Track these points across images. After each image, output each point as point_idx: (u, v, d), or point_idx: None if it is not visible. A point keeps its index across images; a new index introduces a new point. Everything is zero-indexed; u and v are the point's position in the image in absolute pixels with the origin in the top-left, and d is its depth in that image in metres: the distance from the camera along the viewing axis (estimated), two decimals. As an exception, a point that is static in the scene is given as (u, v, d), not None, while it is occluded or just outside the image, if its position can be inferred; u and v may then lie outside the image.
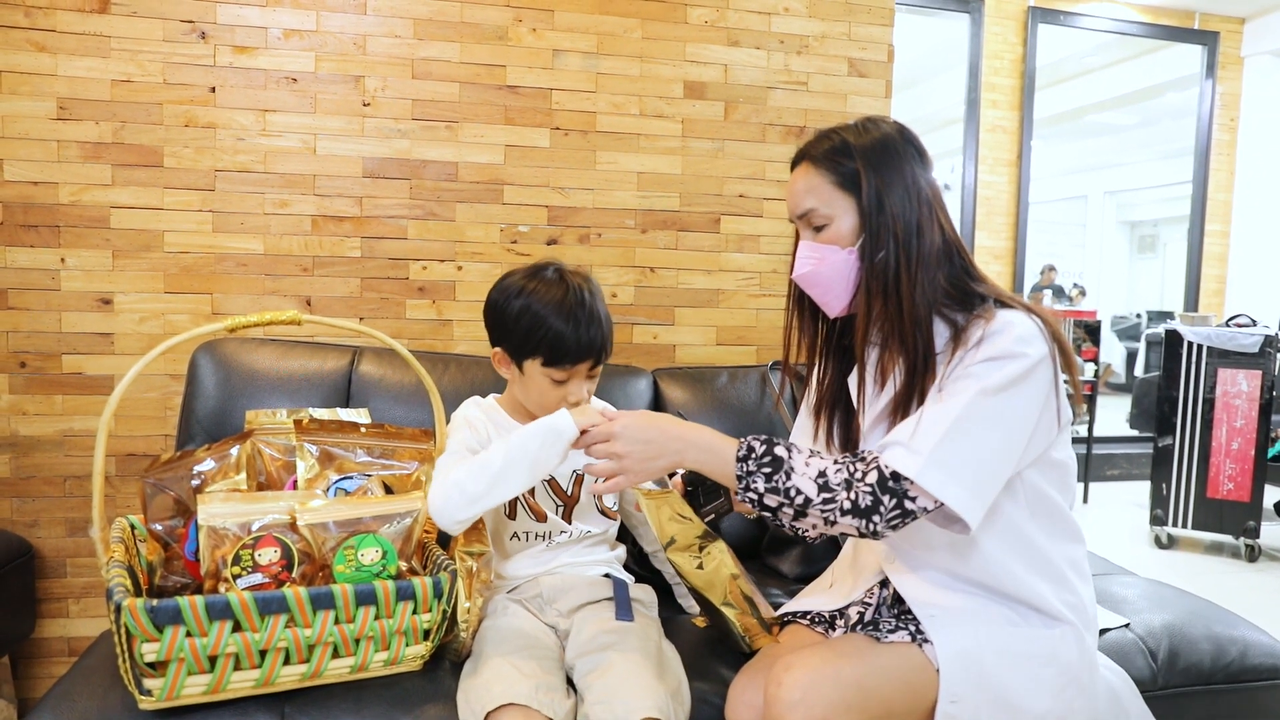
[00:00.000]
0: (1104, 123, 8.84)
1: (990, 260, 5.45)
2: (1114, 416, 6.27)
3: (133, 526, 1.30)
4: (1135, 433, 5.71)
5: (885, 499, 1.06)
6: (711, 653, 1.40)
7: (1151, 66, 6.81)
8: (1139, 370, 7.42)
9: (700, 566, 1.25)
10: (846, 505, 1.06)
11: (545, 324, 1.33)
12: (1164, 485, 3.90)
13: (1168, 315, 8.34)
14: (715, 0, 2.20)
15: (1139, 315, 9.67)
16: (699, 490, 1.34)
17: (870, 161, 1.17)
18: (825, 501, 1.06)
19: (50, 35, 1.87)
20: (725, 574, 1.25)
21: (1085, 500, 4.83)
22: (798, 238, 1.25)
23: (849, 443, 1.30)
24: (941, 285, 1.16)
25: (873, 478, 1.06)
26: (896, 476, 1.06)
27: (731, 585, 1.26)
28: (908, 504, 1.06)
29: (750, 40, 2.23)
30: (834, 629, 1.27)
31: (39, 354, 1.92)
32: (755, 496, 1.10)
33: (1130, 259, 11.54)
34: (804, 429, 1.40)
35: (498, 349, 1.41)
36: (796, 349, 1.34)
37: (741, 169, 2.26)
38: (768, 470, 1.09)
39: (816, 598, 1.36)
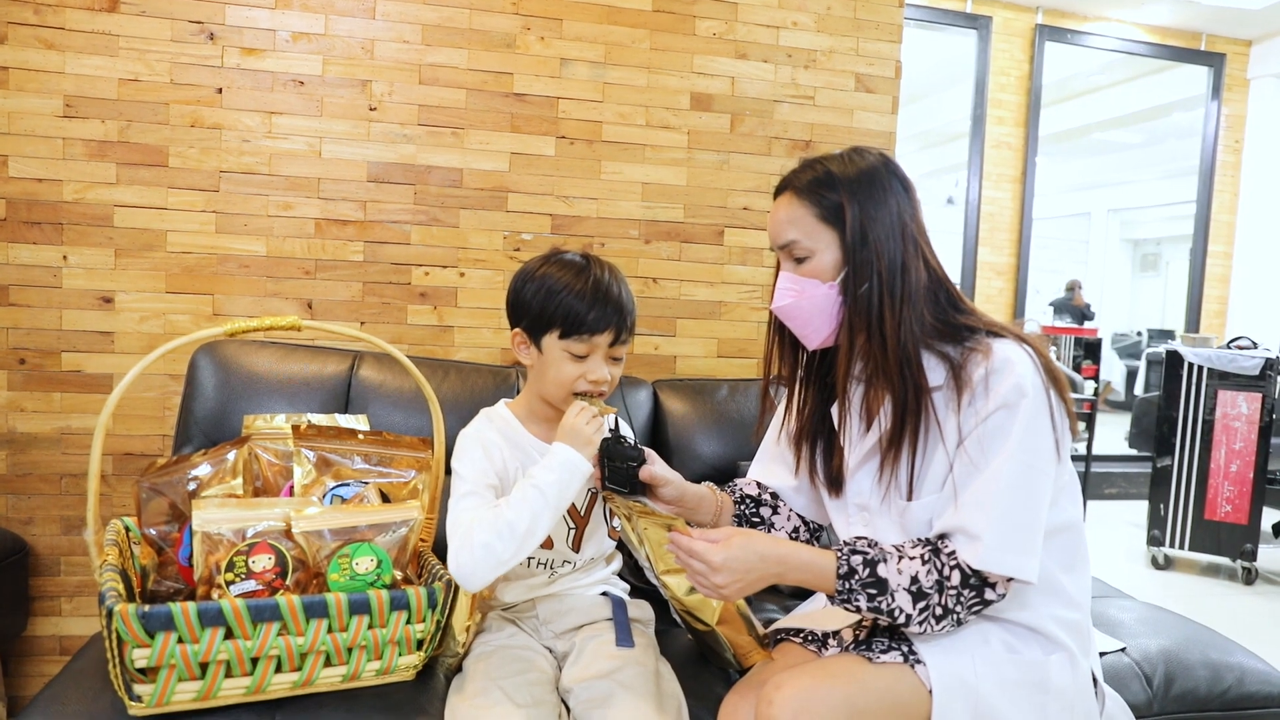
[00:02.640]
0: (1109, 141, 8.85)
1: (993, 276, 5.44)
2: (1113, 435, 6.26)
3: (128, 529, 1.30)
4: (1134, 452, 5.70)
5: (967, 593, 1.10)
6: (704, 670, 1.39)
7: (1158, 86, 6.82)
8: (1139, 389, 7.41)
9: (694, 590, 1.24)
10: (939, 611, 1.09)
11: (562, 293, 1.28)
12: (1162, 506, 3.89)
13: (1169, 334, 8.34)
14: (724, 13, 2.20)
15: (1140, 333, 9.67)
16: (608, 467, 1.25)
17: (854, 194, 1.15)
18: (921, 611, 1.09)
19: (59, 33, 1.87)
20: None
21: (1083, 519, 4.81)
22: (779, 266, 1.24)
23: (832, 478, 1.29)
24: (928, 320, 1.15)
25: (956, 577, 1.09)
26: (975, 571, 1.08)
27: (727, 604, 1.26)
28: (987, 593, 1.10)
29: (758, 53, 2.23)
30: (826, 648, 1.26)
31: (39, 351, 1.91)
32: (855, 609, 1.11)
33: (1132, 277, 11.54)
34: (780, 459, 1.38)
35: (516, 330, 1.34)
36: (777, 376, 1.33)
37: (746, 182, 2.26)
38: (871, 591, 1.10)
39: (810, 616, 1.36)
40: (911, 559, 1.10)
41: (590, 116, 2.15)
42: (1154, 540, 3.93)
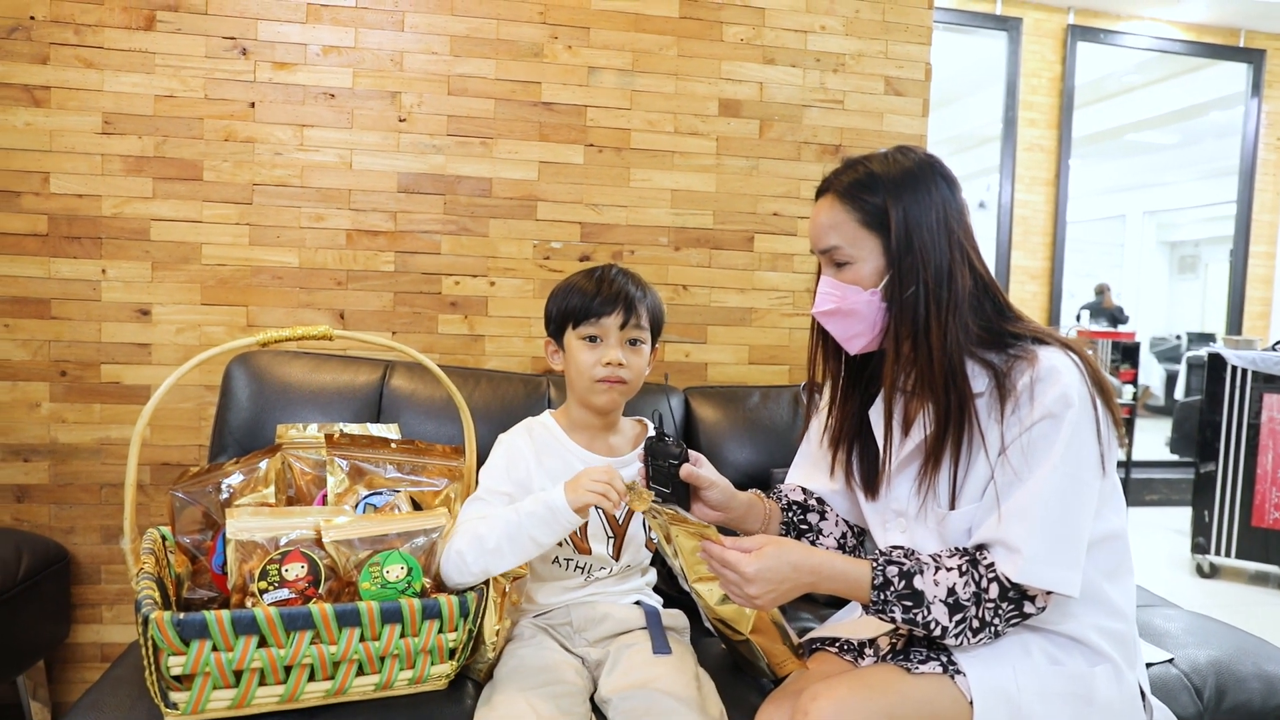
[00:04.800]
0: (1144, 142, 8.70)
1: (1026, 280, 5.37)
2: (1153, 440, 6.13)
3: (164, 537, 1.31)
4: (1175, 457, 5.58)
5: (1005, 605, 1.08)
6: (738, 679, 1.37)
7: (1194, 85, 6.69)
8: (1179, 393, 7.26)
9: (726, 599, 1.22)
10: (976, 624, 1.07)
11: (573, 291, 1.39)
12: (1206, 512, 3.80)
13: (1209, 338, 8.16)
14: (751, 18, 2.19)
15: (1179, 337, 9.48)
16: (651, 466, 1.25)
17: (898, 198, 1.12)
18: (957, 624, 1.07)
19: (98, 52, 1.91)
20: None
21: (1123, 526, 4.72)
22: (820, 269, 1.21)
23: (869, 483, 1.27)
24: (973, 330, 1.12)
25: (995, 591, 1.07)
26: (1014, 584, 1.06)
27: (760, 612, 1.24)
28: (1026, 606, 1.08)
29: (786, 58, 2.22)
30: (863, 658, 1.24)
31: (79, 363, 1.95)
32: (890, 621, 1.10)
33: (1170, 280, 11.32)
34: (817, 461, 1.36)
35: (548, 340, 1.45)
36: (821, 379, 1.31)
37: (776, 187, 2.24)
38: (907, 603, 1.08)
39: (847, 625, 1.33)
40: (949, 570, 1.08)
41: (618, 124, 2.15)
42: (1199, 548, 3.83)
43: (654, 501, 1.20)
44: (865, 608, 1.11)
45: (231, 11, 1.95)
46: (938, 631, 1.08)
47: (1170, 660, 1.46)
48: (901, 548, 1.13)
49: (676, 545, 1.21)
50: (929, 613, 1.07)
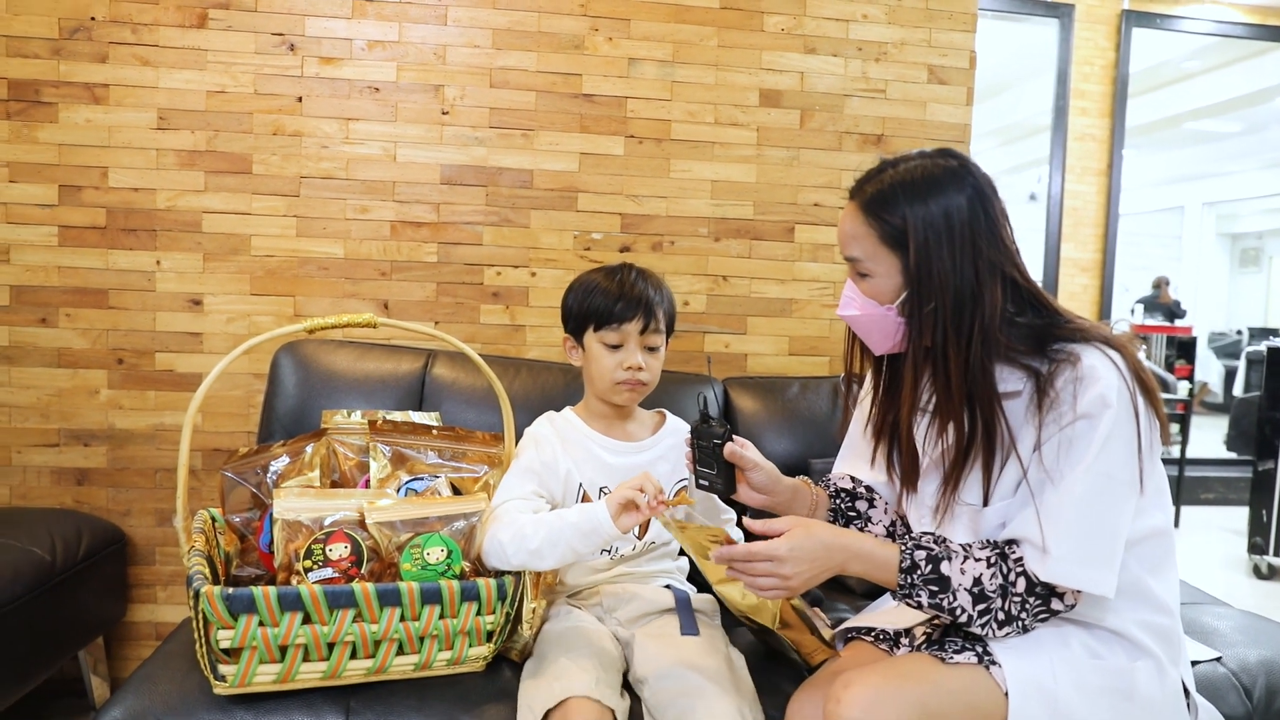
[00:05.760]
0: (1204, 130, 8.43)
1: (1076, 273, 5.25)
2: (1210, 437, 5.97)
3: (213, 519, 1.35)
4: (1233, 455, 5.42)
5: (1032, 601, 1.07)
6: (772, 667, 1.38)
7: (1257, 70, 6.46)
8: (1238, 390, 7.05)
9: (746, 594, 1.23)
10: (1001, 616, 1.07)
11: (593, 292, 1.41)
12: (1264, 512, 3.68)
13: (1272, 332, 7.90)
14: (792, 8, 2.18)
15: (1239, 332, 9.19)
16: (697, 448, 1.25)
17: (920, 216, 1.09)
18: (982, 613, 1.07)
19: (153, 50, 1.97)
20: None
21: (1176, 525, 4.60)
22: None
23: (909, 475, 1.26)
24: (1003, 342, 1.09)
25: (1022, 584, 1.06)
26: (1043, 582, 1.06)
27: (784, 604, 1.24)
28: (1054, 603, 1.08)
29: (827, 47, 2.20)
30: (898, 647, 1.23)
31: (135, 351, 2.02)
32: (916, 606, 1.10)
33: (1231, 273, 10.97)
34: (861, 451, 1.36)
35: (565, 336, 1.47)
36: (860, 370, 1.31)
37: (817, 177, 2.23)
38: (933, 588, 1.08)
39: (882, 614, 1.33)
40: (977, 560, 1.08)
41: (659, 115, 2.15)
42: (1256, 548, 3.72)
43: (700, 484, 1.21)
44: (892, 593, 1.11)
45: (280, 8, 2.00)
46: (964, 619, 1.07)
47: (1218, 659, 1.42)
48: (932, 534, 1.12)
49: (689, 549, 1.22)
50: (954, 599, 1.07)
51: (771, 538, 1.09)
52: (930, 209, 1.09)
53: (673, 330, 1.48)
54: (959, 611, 1.07)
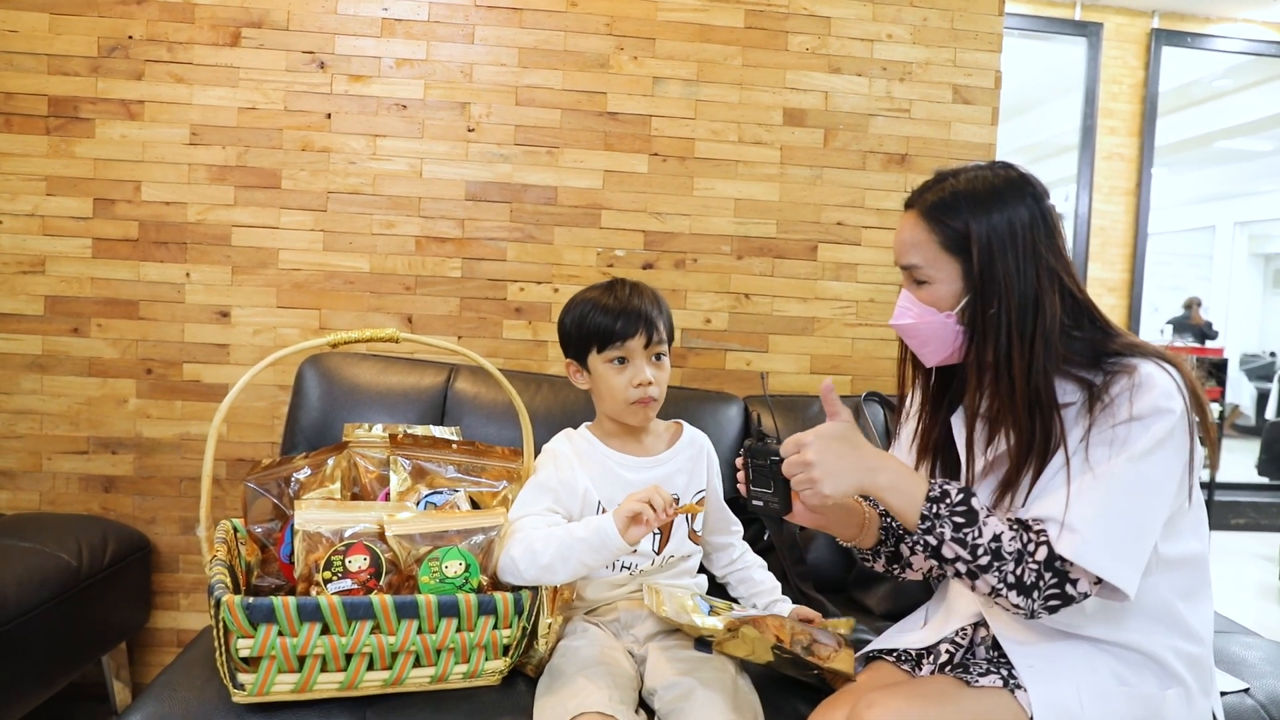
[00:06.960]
0: (1236, 149, 8.32)
1: (1103, 293, 5.19)
2: (1242, 461, 5.86)
3: (235, 529, 1.37)
4: (1265, 480, 5.32)
5: (1047, 576, 1.03)
6: (789, 688, 1.37)
7: (1290, 90, 6.39)
8: (1270, 413, 6.92)
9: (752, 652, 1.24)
10: (1012, 579, 1.03)
11: (591, 313, 1.39)
12: (1297, 539, 3.61)
13: (1306, 355, 7.76)
14: (817, 27, 2.19)
15: (1272, 354, 9.03)
16: (751, 468, 1.21)
17: (982, 223, 1.09)
18: (997, 570, 1.03)
19: (187, 67, 2.01)
20: (767, 643, 1.23)
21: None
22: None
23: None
24: (1061, 352, 1.08)
25: (1042, 554, 1.03)
26: (1061, 557, 1.02)
27: (787, 638, 1.23)
28: (1068, 587, 1.03)
29: (852, 67, 2.21)
30: (920, 668, 1.22)
31: (163, 361, 2.05)
32: (935, 542, 1.06)
33: (1263, 294, 10.79)
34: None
35: (568, 361, 1.46)
36: (911, 388, 1.29)
37: (840, 197, 2.23)
38: (960, 520, 1.05)
39: (907, 635, 1.31)
40: (1000, 522, 1.05)
41: (682, 134, 2.16)
42: (1288, 576, 3.64)
43: (754, 504, 1.20)
44: (910, 531, 1.07)
45: (311, 27, 2.04)
46: (982, 563, 1.03)
47: (1246, 690, 1.39)
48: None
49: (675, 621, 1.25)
50: (979, 535, 1.03)
51: None
52: (993, 214, 1.10)
53: (673, 339, 1.46)
54: (979, 550, 1.03)
